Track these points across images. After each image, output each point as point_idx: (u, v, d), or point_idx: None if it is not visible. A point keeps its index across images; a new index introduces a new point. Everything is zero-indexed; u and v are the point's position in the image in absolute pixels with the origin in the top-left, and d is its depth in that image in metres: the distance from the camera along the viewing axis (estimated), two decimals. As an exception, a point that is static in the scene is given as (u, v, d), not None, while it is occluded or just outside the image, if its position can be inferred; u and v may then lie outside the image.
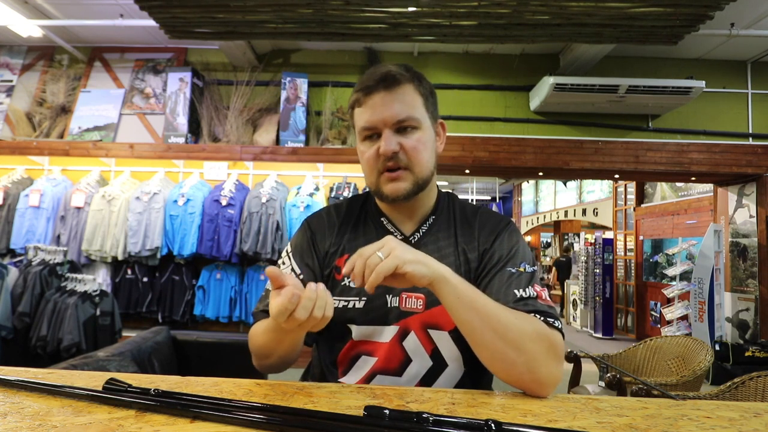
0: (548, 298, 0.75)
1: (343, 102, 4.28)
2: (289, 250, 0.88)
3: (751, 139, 4.19)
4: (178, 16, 3.18)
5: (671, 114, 4.18)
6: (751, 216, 4.21)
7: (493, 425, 0.44)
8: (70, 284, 2.61)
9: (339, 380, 0.80)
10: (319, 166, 4.18)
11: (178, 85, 4.13)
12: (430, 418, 0.45)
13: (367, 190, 0.90)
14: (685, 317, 4.62)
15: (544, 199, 9.77)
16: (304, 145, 4.06)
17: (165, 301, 3.91)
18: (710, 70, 4.20)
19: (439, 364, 0.78)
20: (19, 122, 4.33)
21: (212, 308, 3.86)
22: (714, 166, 4.05)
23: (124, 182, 4.07)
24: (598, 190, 7.61)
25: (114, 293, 3.72)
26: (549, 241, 12.09)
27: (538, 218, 10.02)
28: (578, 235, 9.28)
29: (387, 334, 0.78)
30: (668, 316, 4.75)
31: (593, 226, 8.73)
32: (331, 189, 4.05)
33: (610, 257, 6.40)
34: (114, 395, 0.53)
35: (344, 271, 0.65)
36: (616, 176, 4.70)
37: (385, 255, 0.62)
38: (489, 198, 12.56)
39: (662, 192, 6.02)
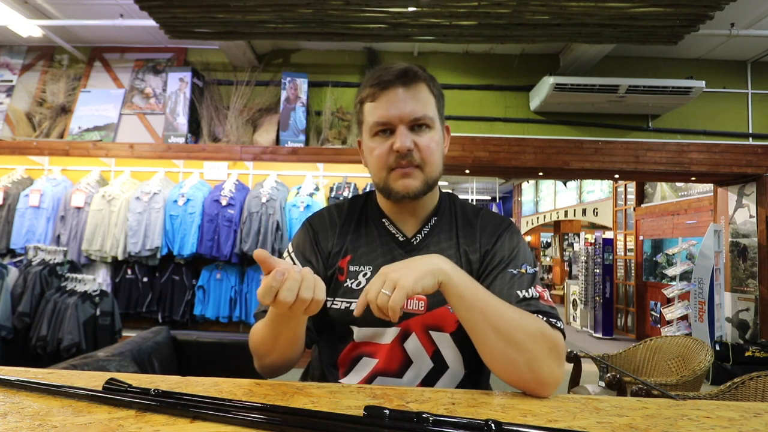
0: (549, 299, 0.75)
1: (343, 102, 4.28)
2: (291, 250, 0.87)
3: (751, 139, 4.19)
4: (178, 16, 3.18)
5: (671, 114, 4.18)
6: (751, 216, 4.21)
7: (493, 425, 0.44)
8: (70, 284, 2.61)
9: (339, 381, 0.80)
10: (319, 166, 4.18)
11: (178, 85, 4.13)
12: (430, 418, 0.45)
13: (367, 190, 0.90)
14: (685, 317, 4.62)
15: (544, 199, 9.77)
16: (304, 145, 4.06)
17: (165, 301, 3.91)
18: (710, 70, 4.20)
19: (439, 366, 0.78)
20: (19, 122, 4.33)
21: (212, 308, 3.86)
22: (714, 166, 4.05)
23: (124, 182, 4.07)
24: (598, 190, 7.61)
25: (114, 293, 3.72)
26: (549, 241, 12.09)
27: (538, 218, 10.02)
28: (578, 235, 9.28)
29: (388, 335, 0.78)
30: (668, 316, 4.75)
31: (593, 226, 8.73)
32: (331, 189, 4.05)
33: (610, 257, 6.40)
34: (114, 395, 0.53)
35: (356, 313, 0.64)
36: (616, 176, 4.70)
37: (390, 289, 0.61)
38: (489, 198, 12.55)
39: (662, 192, 6.02)
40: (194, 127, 4.17)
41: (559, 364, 0.66)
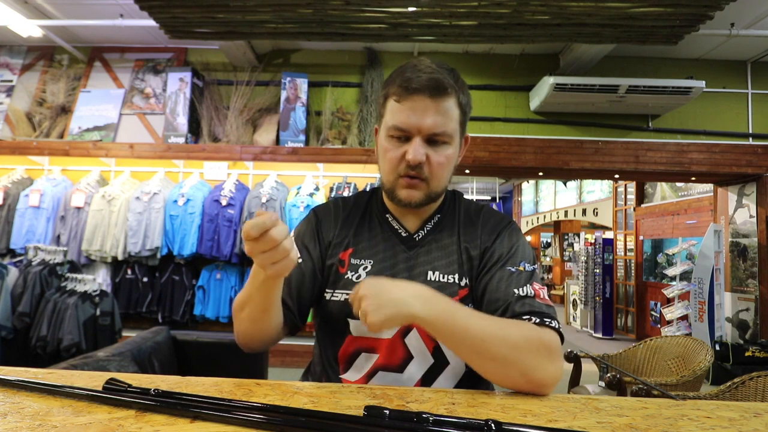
0: (547, 297, 0.75)
1: (343, 102, 4.28)
2: (292, 236, 0.88)
3: (751, 139, 4.19)
4: (178, 16, 3.18)
5: (671, 114, 4.18)
6: (751, 216, 4.21)
7: (493, 425, 0.44)
8: (70, 284, 2.61)
9: (340, 376, 0.81)
10: (319, 166, 4.18)
11: (178, 85, 4.13)
12: (430, 418, 0.45)
13: (372, 187, 0.91)
14: (685, 317, 4.62)
15: (544, 199, 9.77)
16: (304, 145, 4.06)
17: (165, 301, 3.91)
18: (710, 70, 4.20)
19: (440, 362, 0.78)
20: (19, 122, 4.33)
21: (212, 308, 3.86)
22: (714, 166, 4.05)
23: (124, 182, 4.07)
24: (598, 190, 7.61)
25: (114, 293, 3.72)
26: (549, 241, 12.09)
27: (538, 218, 10.02)
28: (578, 235, 9.28)
29: (389, 330, 0.78)
30: (668, 316, 4.75)
31: (593, 226, 8.73)
32: (331, 189, 4.06)
33: (610, 257, 6.40)
34: (114, 395, 0.53)
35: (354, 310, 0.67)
36: (616, 176, 4.70)
37: (362, 321, 0.64)
38: (489, 198, 12.55)
39: (662, 192, 6.02)
40: (194, 127, 4.17)
41: (552, 363, 0.66)
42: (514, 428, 0.44)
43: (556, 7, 2.89)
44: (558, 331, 0.70)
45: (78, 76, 4.46)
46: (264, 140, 4.10)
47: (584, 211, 7.92)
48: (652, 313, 5.86)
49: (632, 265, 6.38)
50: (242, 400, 0.53)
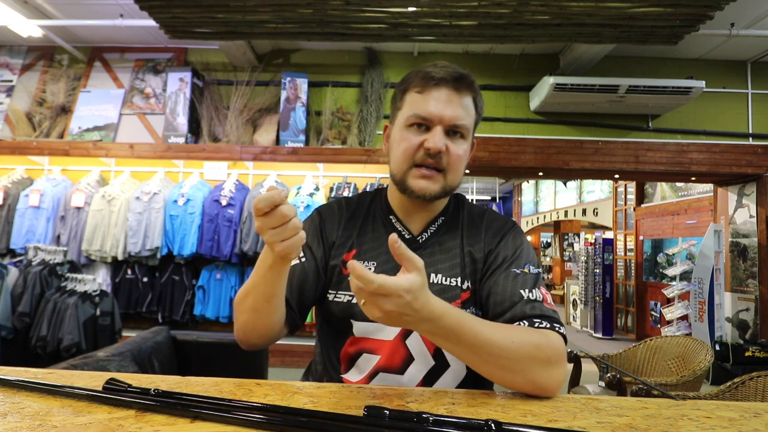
0: (551, 302, 0.76)
1: (343, 102, 4.28)
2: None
3: (751, 139, 4.19)
4: (178, 16, 3.18)
5: (671, 114, 4.18)
6: (751, 216, 4.21)
7: (493, 425, 0.44)
8: (70, 284, 2.61)
9: (342, 376, 0.81)
10: (319, 166, 4.18)
11: (178, 85, 4.13)
12: (430, 418, 0.45)
13: (374, 188, 0.90)
14: (685, 317, 4.62)
15: (544, 199, 9.77)
16: (304, 145, 4.06)
17: (165, 301, 3.91)
18: (710, 70, 4.20)
19: (441, 364, 0.78)
20: (19, 122, 4.33)
21: (212, 308, 3.86)
22: (714, 166, 4.05)
23: (124, 182, 4.07)
24: (598, 190, 7.61)
25: (114, 293, 3.72)
26: (549, 241, 12.09)
27: (538, 218, 10.02)
28: (578, 235, 9.28)
29: (390, 331, 0.78)
30: (668, 316, 4.75)
31: (593, 226, 8.73)
32: (331, 189, 4.05)
33: (610, 257, 6.40)
34: (114, 395, 0.53)
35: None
36: (616, 176, 4.70)
37: (368, 314, 0.57)
38: (489, 198, 12.55)
39: (662, 192, 6.02)
40: (194, 127, 4.17)
41: (557, 369, 0.66)
42: (514, 428, 0.44)
43: (556, 7, 2.89)
44: (564, 336, 0.71)
45: (78, 76, 4.46)
46: (264, 140, 4.10)
47: (584, 211, 7.92)
48: (652, 313, 5.86)
49: (632, 265, 6.38)
50: (242, 400, 0.53)
